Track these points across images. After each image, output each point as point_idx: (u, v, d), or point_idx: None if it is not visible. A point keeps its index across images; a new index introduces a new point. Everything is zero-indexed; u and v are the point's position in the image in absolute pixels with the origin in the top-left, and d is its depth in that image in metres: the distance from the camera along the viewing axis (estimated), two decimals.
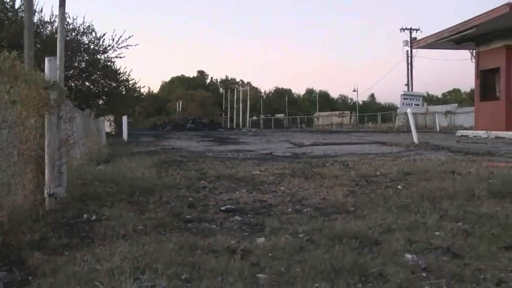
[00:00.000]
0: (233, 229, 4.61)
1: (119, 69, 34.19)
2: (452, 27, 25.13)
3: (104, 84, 33.38)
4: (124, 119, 28.24)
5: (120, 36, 30.78)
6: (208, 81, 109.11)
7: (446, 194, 5.90)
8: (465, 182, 6.81)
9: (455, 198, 5.70)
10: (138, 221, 4.74)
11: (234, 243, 3.96)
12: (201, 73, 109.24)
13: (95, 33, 30.82)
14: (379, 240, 4.00)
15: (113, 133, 34.23)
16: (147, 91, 73.87)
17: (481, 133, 23.75)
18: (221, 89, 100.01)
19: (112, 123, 38.48)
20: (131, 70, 36.88)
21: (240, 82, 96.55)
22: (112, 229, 4.41)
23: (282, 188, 7.24)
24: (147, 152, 15.56)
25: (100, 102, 34.59)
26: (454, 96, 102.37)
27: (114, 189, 6.69)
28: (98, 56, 31.65)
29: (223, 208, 5.67)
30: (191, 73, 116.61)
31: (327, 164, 10.34)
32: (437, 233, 4.20)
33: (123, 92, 35.30)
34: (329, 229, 4.29)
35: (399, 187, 6.84)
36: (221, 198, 6.47)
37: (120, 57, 31.60)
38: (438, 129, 39.27)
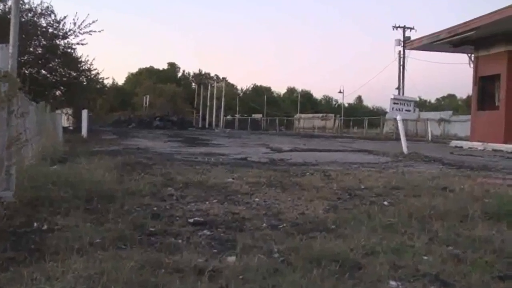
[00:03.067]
0: (201, 245, 4.58)
1: (81, 57, 33.89)
2: (450, 28, 25.39)
3: (63, 73, 32.96)
4: (84, 113, 28.02)
5: (83, 20, 30.37)
6: (179, 74, 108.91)
7: (437, 214, 5.95)
8: (457, 200, 6.87)
9: (447, 218, 5.75)
10: (96, 233, 4.68)
11: (202, 262, 3.94)
12: (172, 66, 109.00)
13: (55, 16, 30.52)
14: (362, 263, 4.02)
15: (71, 128, 33.92)
16: (111, 82, 73.36)
17: (477, 144, 24.04)
18: (193, 84, 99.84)
19: (70, 117, 38.14)
20: (93, 59, 36.45)
21: (215, 77, 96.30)
22: (66, 241, 4.34)
23: (257, 199, 7.25)
24: (108, 151, 15.46)
25: (58, 93, 34.26)
26: (448, 102, 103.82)
27: (70, 194, 6.60)
28: (57, 42, 31.31)
29: (191, 220, 5.65)
30: (161, 65, 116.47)
31: (307, 174, 10.39)
32: (425, 257, 4.24)
33: (84, 83, 34.98)
34: (307, 249, 4.30)
35: (385, 203, 6.89)
36: (189, 208, 6.44)
37: (82, 44, 31.32)
38: (430, 138, 39.70)
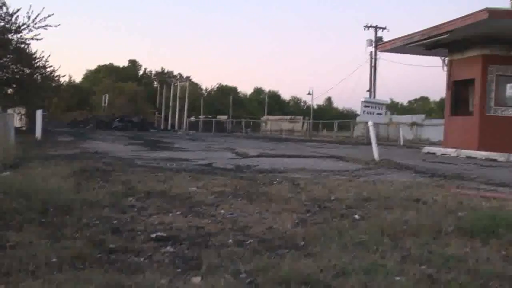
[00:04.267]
0: (164, 264, 4.56)
1: (35, 53, 33.53)
2: (423, 30, 25.58)
3: (16, 69, 32.61)
4: (39, 113, 27.67)
5: (38, 14, 30.15)
6: (141, 72, 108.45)
7: (409, 229, 6.00)
8: (431, 213, 6.95)
9: (419, 234, 5.81)
10: (52, 251, 4.62)
11: (166, 284, 3.92)
12: (133, 63, 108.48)
13: (7, 8, 30.18)
14: (332, 285, 4.04)
15: (23, 129, 33.51)
16: (67, 80, 72.70)
17: (450, 151, 24.30)
18: (155, 83, 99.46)
19: (23, 117, 37.68)
20: (49, 55, 35.91)
21: (178, 76, 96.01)
22: (19, 261, 4.28)
23: (222, 211, 7.24)
24: (65, 156, 15.29)
25: (10, 91, 33.80)
26: (421, 105, 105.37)
27: (23, 205, 6.50)
28: (9, 36, 30.89)
29: (153, 235, 5.61)
30: (121, 62, 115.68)
31: (275, 182, 10.40)
32: (397, 278, 4.27)
33: (39, 81, 34.56)
34: (276, 269, 4.31)
35: (356, 216, 6.93)
36: (151, 221, 6.41)
37: (37, 39, 31.04)
38: (402, 143, 40.17)
